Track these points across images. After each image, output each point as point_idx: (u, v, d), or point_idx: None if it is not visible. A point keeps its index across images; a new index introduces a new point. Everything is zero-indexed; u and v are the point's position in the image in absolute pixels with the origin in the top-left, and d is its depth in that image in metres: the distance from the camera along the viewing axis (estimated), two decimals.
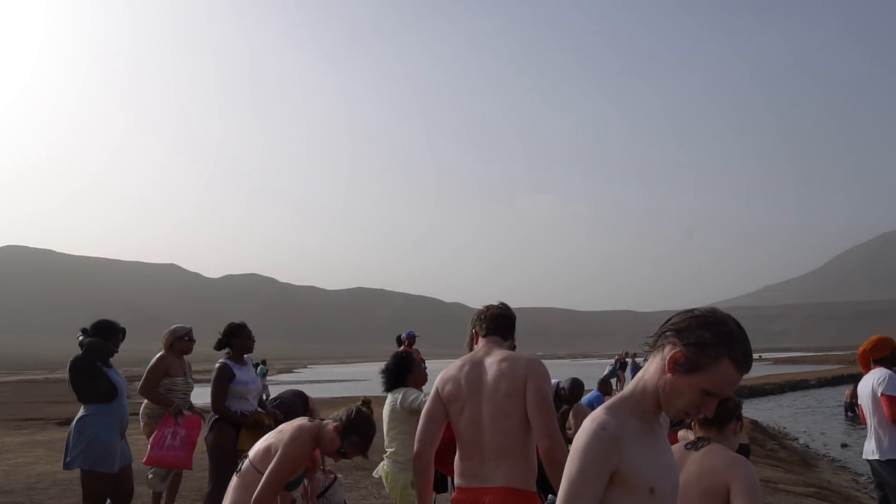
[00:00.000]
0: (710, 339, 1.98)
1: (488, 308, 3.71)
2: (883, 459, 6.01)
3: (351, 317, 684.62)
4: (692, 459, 3.11)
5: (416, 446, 3.54)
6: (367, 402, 4.57)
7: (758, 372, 59.69)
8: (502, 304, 3.77)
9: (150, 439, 6.57)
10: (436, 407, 3.50)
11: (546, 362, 3.60)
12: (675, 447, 3.09)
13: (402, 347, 10.13)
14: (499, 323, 3.64)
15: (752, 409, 29.95)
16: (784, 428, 24.17)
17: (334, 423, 4.23)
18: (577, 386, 7.36)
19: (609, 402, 2.10)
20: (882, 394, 5.92)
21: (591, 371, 41.99)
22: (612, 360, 24.53)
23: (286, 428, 4.24)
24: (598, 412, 2.05)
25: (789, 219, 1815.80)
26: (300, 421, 4.29)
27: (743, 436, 7.30)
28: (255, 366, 27.42)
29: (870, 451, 6.18)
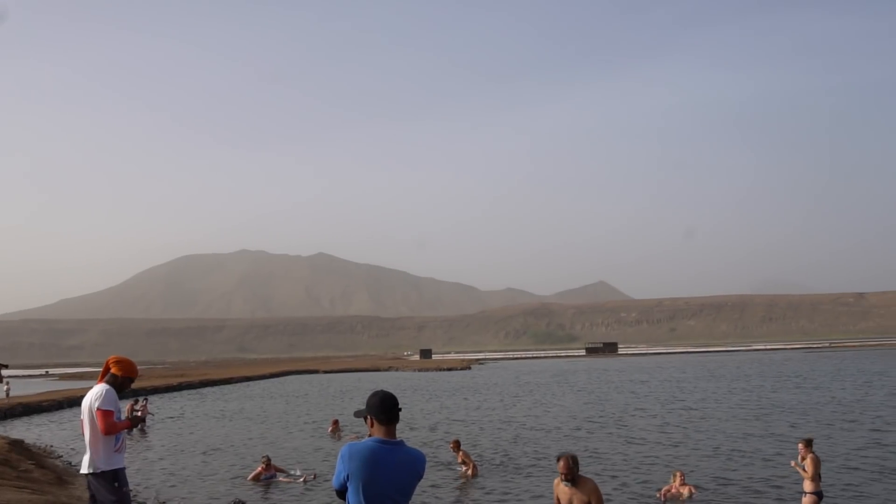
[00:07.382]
0: None
1: None
2: (97, 472, 6.18)
3: None
4: None
5: None
6: None
7: (38, 388, 57.16)
8: None
9: None
10: None
11: None
12: None
13: None
14: None
15: (23, 428, 28.56)
16: (51, 446, 23.61)
17: None
18: None
19: None
20: (98, 408, 6.21)
21: None
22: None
23: None
24: None
25: (98, 234, 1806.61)
26: None
27: None
28: None
29: (86, 464, 6.28)
